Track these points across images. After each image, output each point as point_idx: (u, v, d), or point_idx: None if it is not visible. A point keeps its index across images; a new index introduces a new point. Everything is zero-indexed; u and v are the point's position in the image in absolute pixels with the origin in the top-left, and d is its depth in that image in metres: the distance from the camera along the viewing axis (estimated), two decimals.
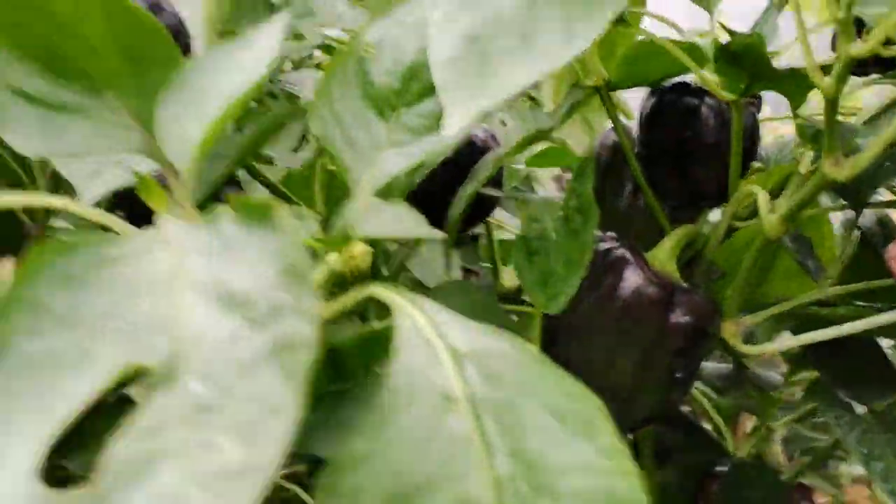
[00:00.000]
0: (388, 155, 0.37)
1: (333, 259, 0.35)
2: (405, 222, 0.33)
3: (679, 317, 0.46)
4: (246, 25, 0.53)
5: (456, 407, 0.26)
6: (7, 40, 0.32)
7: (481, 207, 0.66)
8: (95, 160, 0.38)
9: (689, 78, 0.65)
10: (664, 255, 0.51)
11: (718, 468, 0.67)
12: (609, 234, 0.52)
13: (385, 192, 0.39)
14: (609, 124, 0.68)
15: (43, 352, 0.21)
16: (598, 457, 0.26)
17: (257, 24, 0.53)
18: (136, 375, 0.21)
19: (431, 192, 0.47)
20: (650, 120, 0.63)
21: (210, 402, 0.21)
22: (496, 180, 0.68)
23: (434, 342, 0.27)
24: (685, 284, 0.51)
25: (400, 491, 0.26)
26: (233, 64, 0.31)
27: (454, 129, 0.33)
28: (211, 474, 0.19)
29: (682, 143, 0.61)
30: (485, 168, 0.56)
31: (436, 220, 0.55)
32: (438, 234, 0.33)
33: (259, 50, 0.31)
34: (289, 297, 0.21)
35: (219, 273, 0.23)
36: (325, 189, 0.75)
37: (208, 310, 0.22)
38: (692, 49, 0.60)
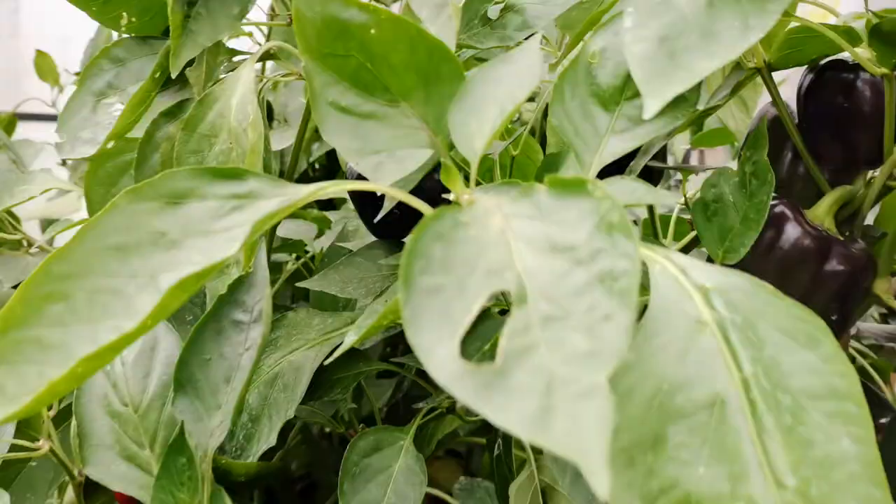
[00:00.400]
0: (611, 140, 0.45)
1: None
2: (638, 192, 0.41)
3: (834, 265, 0.51)
4: (468, 40, 0.62)
5: (706, 328, 0.34)
6: (331, 67, 0.42)
7: (649, 179, 0.72)
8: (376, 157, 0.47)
9: (843, 56, 0.69)
10: (822, 212, 0.56)
11: (882, 420, 0.71)
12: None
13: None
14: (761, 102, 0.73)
15: (434, 285, 0.30)
16: (821, 362, 0.33)
17: (479, 38, 0.63)
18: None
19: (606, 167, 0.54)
20: (809, 94, 0.68)
21: (555, 314, 0.29)
22: (662, 155, 0.74)
23: (682, 280, 0.35)
24: (841, 238, 0.55)
25: (664, 388, 0.33)
26: (504, 78, 0.40)
27: (652, 112, 0.41)
28: (569, 356, 0.27)
29: (840, 113, 0.65)
30: (652, 144, 0.63)
31: None
32: (668, 200, 0.40)
33: (525, 65, 0.40)
34: (606, 243, 0.30)
35: (541, 230, 0.32)
36: (505, 169, 0.84)
37: (537, 255, 0.31)
38: (847, 31, 0.65)
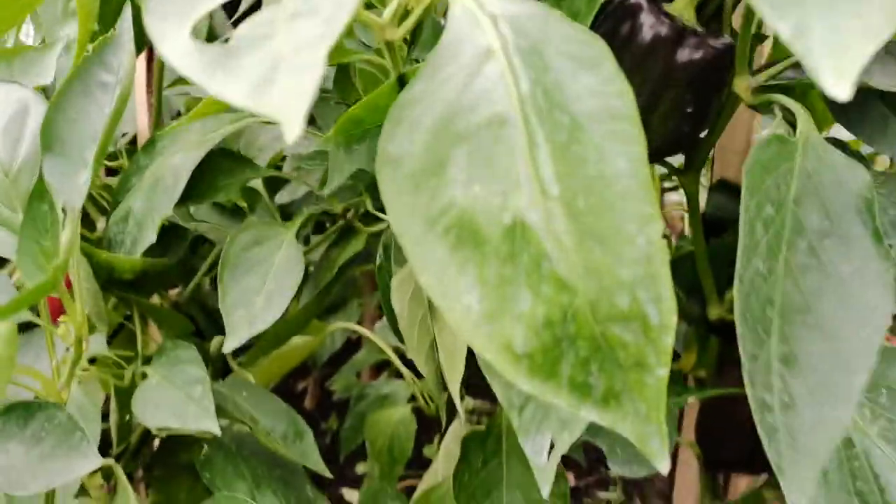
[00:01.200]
0: None
1: None
2: None
3: (686, 54, 0.49)
4: None
5: (493, 56, 0.33)
6: None
7: None
8: None
9: None
10: (682, 4, 0.52)
11: None
12: None
13: None
14: None
15: None
16: (601, 84, 0.32)
17: None
18: None
19: None
20: None
21: (302, 11, 0.28)
22: None
23: (476, 12, 0.34)
24: (699, 29, 0.52)
25: (448, 114, 0.33)
26: None
27: None
28: (301, 42, 0.27)
29: None
30: None
31: None
32: None
33: None
34: None
35: None
36: None
37: None
38: None
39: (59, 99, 0.50)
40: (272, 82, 0.25)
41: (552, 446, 0.45)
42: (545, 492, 0.44)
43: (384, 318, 1.05)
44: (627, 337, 0.31)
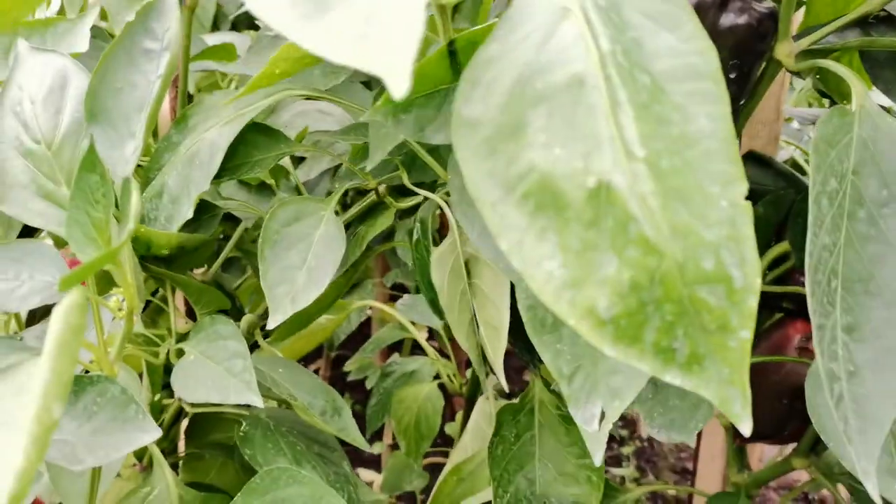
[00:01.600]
0: None
1: None
2: None
3: (731, 19, 0.49)
4: None
5: (570, 14, 0.32)
6: None
7: None
8: None
9: None
10: None
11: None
12: None
13: None
14: None
15: None
16: (680, 42, 0.31)
17: None
18: None
19: None
20: None
21: None
22: None
23: None
24: None
25: (525, 75, 0.32)
26: None
27: None
28: None
29: None
30: None
31: None
32: None
33: None
34: None
35: None
36: None
37: None
38: None
39: (102, 68, 0.49)
40: (371, 35, 0.24)
41: (603, 415, 0.44)
42: (598, 459, 0.44)
43: (400, 299, 1.04)
44: (712, 300, 0.30)
